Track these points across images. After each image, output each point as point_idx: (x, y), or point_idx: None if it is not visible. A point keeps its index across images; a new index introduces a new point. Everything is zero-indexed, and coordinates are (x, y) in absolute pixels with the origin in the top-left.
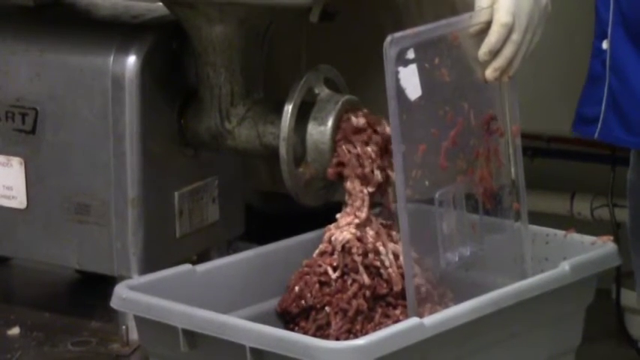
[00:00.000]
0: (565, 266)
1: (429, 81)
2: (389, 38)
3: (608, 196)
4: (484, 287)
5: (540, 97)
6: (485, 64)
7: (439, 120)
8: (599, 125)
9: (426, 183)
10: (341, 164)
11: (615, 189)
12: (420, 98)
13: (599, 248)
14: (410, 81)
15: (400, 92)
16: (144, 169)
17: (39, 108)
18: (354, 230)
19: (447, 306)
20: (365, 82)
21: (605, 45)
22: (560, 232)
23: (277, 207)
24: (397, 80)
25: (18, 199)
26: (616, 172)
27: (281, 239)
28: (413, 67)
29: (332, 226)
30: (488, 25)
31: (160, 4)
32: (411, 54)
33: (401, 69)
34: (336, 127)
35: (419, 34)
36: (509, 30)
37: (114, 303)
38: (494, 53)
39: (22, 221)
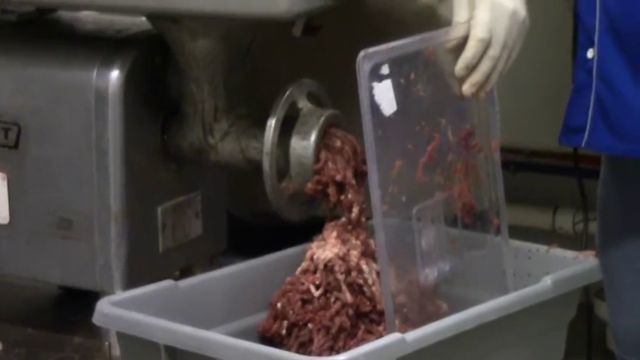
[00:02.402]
0: (547, 281)
1: (405, 96)
2: (362, 53)
3: (585, 209)
4: (466, 303)
5: (521, 112)
6: (463, 79)
7: (416, 135)
8: (586, 134)
9: (403, 199)
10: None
11: (591, 202)
12: (395, 114)
13: (582, 263)
14: (385, 96)
15: (375, 108)
16: (127, 184)
17: (22, 123)
18: (336, 250)
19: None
20: (348, 96)
21: (590, 54)
22: (543, 247)
23: (261, 220)
24: (372, 96)
25: (0, 215)
26: (584, 185)
27: (265, 252)
28: (388, 83)
29: (314, 244)
30: (465, 40)
31: (144, 18)
32: (385, 69)
33: (375, 84)
34: (319, 141)
35: (394, 49)
36: (486, 45)
37: (96, 319)
38: (471, 68)
39: (5, 236)
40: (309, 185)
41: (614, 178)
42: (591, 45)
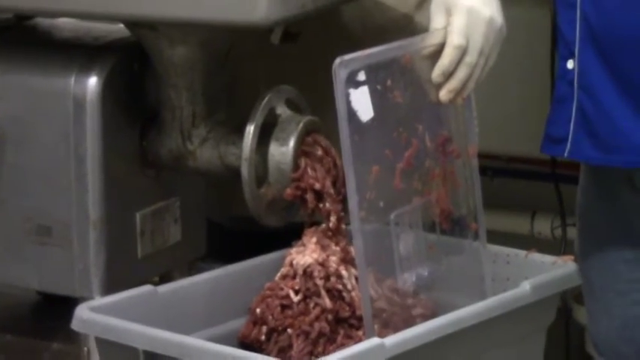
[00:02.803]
0: (526, 286)
1: (382, 103)
2: (338, 60)
3: (561, 214)
4: (445, 307)
5: (499, 118)
6: (439, 85)
7: (393, 141)
8: (568, 144)
9: (381, 204)
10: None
11: (568, 208)
12: (372, 120)
13: (560, 268)
14: (361, 103)
15: (352, 114)
16: (105, 191)
17: None
18: (315, 255)
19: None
20: (326, 103)
21: (570, 64)
22: (522, 252)
23: (240, 225)
24: (348, 102)
25: None
26: (562, 191)
27: (244, 257)
28: (364, 89)
29: (293, 250)
30: (441, 47)
31: (122, 25)
32: (362, 76)
33: (352, 91)
34: (298, 147)
35: (370, 56)
36: (463, 52)
37: (75, 325)
38: (448, 75)
39: None
40: (288, 191)
41: (595, 187)
42: (571, 56)
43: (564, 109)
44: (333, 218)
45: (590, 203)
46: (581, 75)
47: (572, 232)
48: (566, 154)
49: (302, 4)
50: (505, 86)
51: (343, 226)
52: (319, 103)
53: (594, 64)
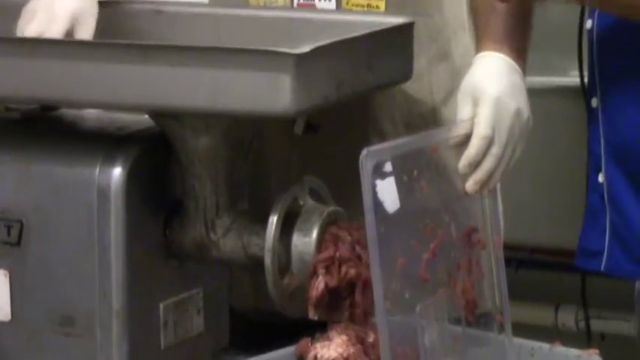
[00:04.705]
0: None
1: (408, 193)
2: (365, 151)
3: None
4: None
5: (523, 209)
6: (466, 176)
7: (419, 232)
8: (604, 258)
9: (407, 295)
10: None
11: (592, 300)
12: (398, 211)
13: None
14: (388, 194)
15: (378, 205)
16: (129, 281)
17: (24, 220)
18: (340, 350)
19: None
20: (352, 192)
21: (600, 178)
22: (545, 345)
23: (263, 316)
24: (375, 193)
25: (3, 312)
26: (586, 282)
27: (267, 348)
28: (391, 180)
29: (318, 344)
30: (468, 137)
31: (146, 116)
32: (388, 167)
33: (378, 182)
34: (321, 238)
35: (396, 146)
36: (490, 143)
37: None
38: (474, 166)
39: (7, 334)
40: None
41: None
42: (600, 170)
43: (597, 222)
44: (359, 311)
45: None
46: (610, 190)
47: (597, 325)
48: (602, 268)
49: (325, 96)
50: (528, 177)
51: (370, 319)
52: (345, 193)
53: (619, 181)
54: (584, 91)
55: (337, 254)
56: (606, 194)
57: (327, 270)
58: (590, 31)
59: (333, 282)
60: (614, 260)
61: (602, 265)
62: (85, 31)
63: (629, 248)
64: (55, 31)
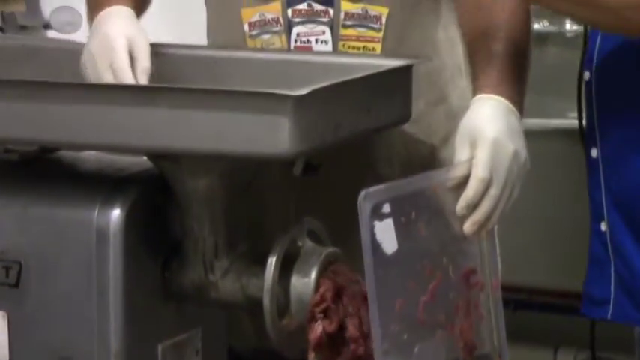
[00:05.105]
0: None
1: (406, 235)
2: (363, 193)
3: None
4: None
5: (520, 250)
6: (464, 218)
7: (417, 274)
8: (610, 307)
9: (405, 337)
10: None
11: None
12: (396, 252)
13: None
14: (386, 235)
15: (376, 246)
16: (127, 323)
17: (23, 261)
18: None
19: None
20: (350, 233)
21: (603, 227)
22: None
23: (262, 356)
24: (373, 235)
25: (1, 353)
26: (595, 326)
27: None
28: (389, 222)
29: None
30: (466, 179)
31: (144, 158)
32: (386, 208)
33: (377, 223)
34: (319, 279)
35: (394, 188)
36: (487, 185)
37: None
38: (472, 208)
39: None
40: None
41: None
42: (602, 219)
43: (602, 270)
44: (361, 350)
45: None
46: (612, 238)
47: None
48: (609, 317)
49: (323, 138)
50: (526, 219)
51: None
52: (343, 234)
53: (621, 229)
54: (582, 134)
55: (332, 304)
56: (609, 242)
57: (326, 314)
58: (588, 82)
59: (332, 327)
60: (621, 308)
61: (609, 313)
62: (143, 54)
63: (635, 296)
64: (122, 66)
